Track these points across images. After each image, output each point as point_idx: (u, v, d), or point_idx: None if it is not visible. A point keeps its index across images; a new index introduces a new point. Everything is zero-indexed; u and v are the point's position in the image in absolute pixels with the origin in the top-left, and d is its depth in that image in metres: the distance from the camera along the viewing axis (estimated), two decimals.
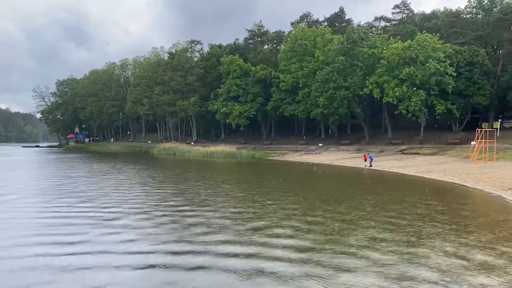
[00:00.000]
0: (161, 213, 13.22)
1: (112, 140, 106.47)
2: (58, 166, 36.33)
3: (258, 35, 76.69)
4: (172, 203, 15.33)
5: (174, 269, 7.88)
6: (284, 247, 9.18)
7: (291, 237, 10.11)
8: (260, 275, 7.51)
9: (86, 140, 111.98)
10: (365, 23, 68.02)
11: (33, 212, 13.35)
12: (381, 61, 47.77)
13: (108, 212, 13.36)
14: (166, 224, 11.53)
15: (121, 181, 23.02)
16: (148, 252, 8.89)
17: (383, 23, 69.22)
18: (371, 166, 33.28)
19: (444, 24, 54.91)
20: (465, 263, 8.11)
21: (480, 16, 53.83)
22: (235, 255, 8.58)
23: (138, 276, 7.59)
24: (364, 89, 48.28)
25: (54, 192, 18.13)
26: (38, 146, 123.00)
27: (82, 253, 8.86)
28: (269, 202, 15.29)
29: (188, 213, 13.10)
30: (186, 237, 10.06)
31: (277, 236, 10.16)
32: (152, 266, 8.02)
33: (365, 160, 35.03)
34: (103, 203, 15.19)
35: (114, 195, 17.19)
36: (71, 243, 9.56)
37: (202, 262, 8.19)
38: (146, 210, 13.77)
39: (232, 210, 13.81)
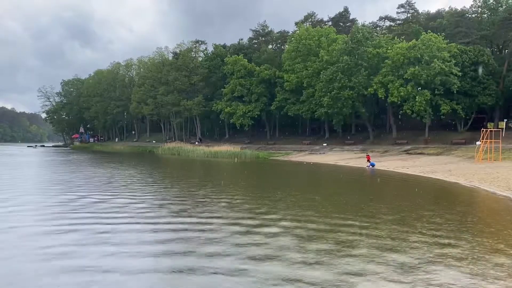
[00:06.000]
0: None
1: (116, 140, 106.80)
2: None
3: (262, 35, 76.76)
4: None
5: None
6: None
7: None
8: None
9: (91, 140, 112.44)
10: (369, 23, 67.75)
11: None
12: (386, 61, 47.69)
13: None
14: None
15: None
16: None
17: (387, 23, 69.08)
18: (370, 167, 33.53)
19: (449, 23, 54.68)
20: None
21: (485, 15, 53.55)
22: None
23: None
24: (369, 89, 48.20)
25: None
26: (43, 146, 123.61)
27: None
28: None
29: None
30: None
31: None
32: None
33: (368, 161, 35.12)
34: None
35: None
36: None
37: None
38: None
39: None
